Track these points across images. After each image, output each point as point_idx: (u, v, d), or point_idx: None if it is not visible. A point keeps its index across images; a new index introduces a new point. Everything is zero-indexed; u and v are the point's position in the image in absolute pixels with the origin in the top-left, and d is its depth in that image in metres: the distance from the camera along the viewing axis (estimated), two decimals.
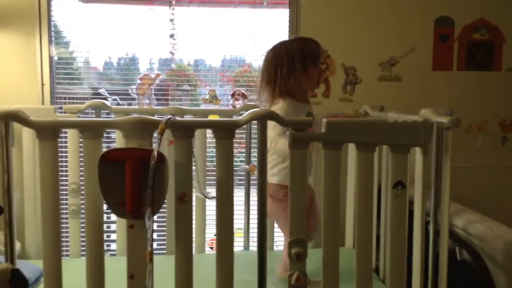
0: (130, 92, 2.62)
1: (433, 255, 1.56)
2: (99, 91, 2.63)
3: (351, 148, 2.32)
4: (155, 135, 1.33)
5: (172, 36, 2.61)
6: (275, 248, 2.42)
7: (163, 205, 1.35)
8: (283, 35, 2.60)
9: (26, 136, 2.24)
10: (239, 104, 2.60)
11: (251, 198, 2.39)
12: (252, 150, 2.38)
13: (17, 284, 1.28)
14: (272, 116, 1.41)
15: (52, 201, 1.36)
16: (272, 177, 1.88)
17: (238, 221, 2.33)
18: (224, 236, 1.41)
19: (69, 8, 2.58)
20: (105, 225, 2.26)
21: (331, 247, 1.43)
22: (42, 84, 2.49)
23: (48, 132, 1.34)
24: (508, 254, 1.63)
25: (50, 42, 2.51)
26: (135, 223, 1.31)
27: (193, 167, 1.49)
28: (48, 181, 1.35)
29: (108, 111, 2.33)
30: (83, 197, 1.41)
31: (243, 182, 2.42)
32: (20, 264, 1.46)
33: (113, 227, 2.47)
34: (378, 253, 2.08)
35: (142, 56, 2.71)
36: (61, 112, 2.30)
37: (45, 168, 1.35)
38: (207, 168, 2.35)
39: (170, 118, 1.31)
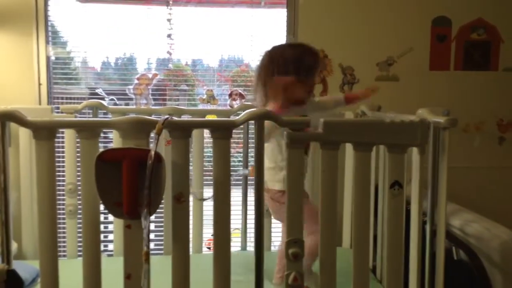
0: (127, 92, 2.61)
1: (430, 255, 1.56)
2: (97, 91, 2.63)
3: (349, 148, 2.32)
4: (152, 135, 1.33)
5: (169, 36, 2.61)
6: (272, 248, 2.42)
7: (160, 205, 1.35)
8: (281, 35, 2.61)
9: (23, 136, 2.23)
10: (236, 104, 2.60)
11: (248, 198, 2.39)
12: (249, 150, 2.38)
13: (13, 284, 1.28)
14: (269, 116, 1.41)
15: (49, 201, 1.35)
16: (276, 183, 1.85)
17: (236, 221, 2.33)
18: (221, 236, 1.41)
19: (67, 8, 2.58)
20: (102, 226, 2.26)
21: (328, 247, 1.43)
22: (39, 84, 2.49)
23: (45, 132, 1.34)
24: (505, 254, 1.63)
25: (47, 42, 2.50)
26: (132, 223, 1.31)
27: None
28: (44, 181, 1.35)
29: (105, 111, 2.33)
30: (80, 197, 1.41)
31: (241, 182, 2.42)
32: (17, 265, 1.45)
33: (111, 227, 2.46)
34: (375, 253, 2.08)
35: (140, 56, 2.71)
36: (58, 112, 2.30)
37: (42, 168, 1.35)
38: (204, 168, 2.34)
39: (167, 118, 1.31)
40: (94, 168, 1.26)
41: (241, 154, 2.45)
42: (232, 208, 1.43)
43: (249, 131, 2.36)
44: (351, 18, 2.58)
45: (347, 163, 2.31)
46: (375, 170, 1.99)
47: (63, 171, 2.23)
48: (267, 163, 1.80)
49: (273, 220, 2.35)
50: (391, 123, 1.45)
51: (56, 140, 1.37)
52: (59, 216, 1.48)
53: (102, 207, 1.36)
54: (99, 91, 2.63)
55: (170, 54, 2.64)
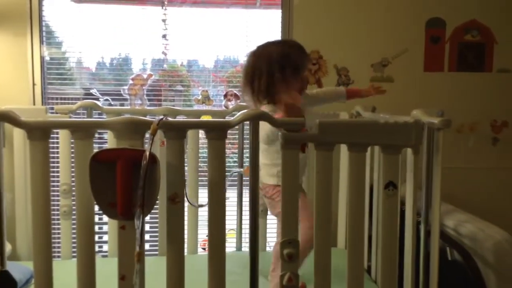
0: (122, 92, 2.61)
1: (424, 256, 1.57)
2: (91, 91, 2.62)
3: (343, 149, 2.32)
4: (147, 135, 1.33)
5: (164, 36, 2.60)
6: (267, 249, 2.42)
7: (155, 206, 1.34)
8: (276, 36, 2.61)
9: (17, 137, 2.22)
10: (231, 104, 2.60)
11: (243, 199, 2.39)
12: (244, 150, 2.38)
13: (6, 285, 1.28)
14: (264, 116, 1.41)
15: (43, 202, 1.35)
16: (270, 178, 1.85)
17: (231, 222, 2.33)
18: (216, 237, 1.41)
19: (61, 8, 2.57)
20: (97, 226, 2.26)
21: (323, 247, 1.43)
22: (33, 84, 2.48)
23: (39, 133, 1.33)
24: (499, 254, 1.64)
25: (41, 42, 2.49)
26: (126, 224, 1.31)
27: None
28: (39, 182, 1.34)
29: (100, 112, 2.32)
30: (75, 198, 1.40)
31: (236, 183, 2.42)
32: (11, 265, 1.45)
33: (105, 228, 2.46)
34: (370, 254, 2.09)
35: (135, 57, 2.70)
36: (52, 113, 2.29)
37: (36, 169, 1.34)
38: (199, 169, 2.34)
39: (162, 118, 1.31)
40: (88, 168, 1.25)
41: (236, 155, 2.46)
42: (227, 208, 1.43)
43: (244, 131, 2.36)
44: (346, 19, 2.58)
45: (342, 164, 2.32)
46: (370, 170, 2.00)
47: (58, 172, 2.22)
48: (263, 159, 1.75)
49: (268, 221, 2.35)
50: (386, 124, 1.46)
51: (50, 140, 1.36)
52: (53, 216, 1.47)
53: (96, 207, 1.36)
54: (93, 91, 2.62)
55: (165, 54, 2.64)
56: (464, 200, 2.25)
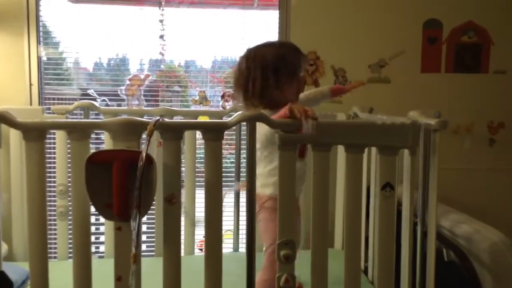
0: (119, 93, 2.61)
1: (421, 256, 1.57)
2: (88, 91, 2.62)
3: (340, 149, 2.32)
4: (143, 136, 1.33)
5: (162, 37, 2.60)
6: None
7: (152, 207, 1.34)
8: (273, 37, 2.61)
9: (14, 137, 2.22)
10: (229, 105, 2.60)
11: (240, 200, 2.39)
12: (242, 151, 2.37)
13: (2, 286, 1.27)
14: (261, 117, 1.41)
15: (39, 202, 1.34)
16: (266, 188, 1.72)
17: (228, 223, 2.33)
18: (213, 238, 1.41)
19: (58, 8, 2.57)
20: (93, 227, 2.26)
21: (320, 248, 1.44)
22: (30, 85, 2.48)
23: (35, 133, 1.33)
24: (495, 255, 1.64)
25: (38, 42, 2.49)
26: (122, 225, 1.30)
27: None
28: (35, 183, 1.34)
29: (97, 112, 2.32)
30: (71, 198, 1.40)
31: (233, 183, 2.42)
32: (7, 266, 1.44)
33: (102, 229, 2.45)
34: (367, 254, 2.09)
35: (132, 57, 2.70)
36: (49, 113, 2.28)
37: (32, 170, 1.34)
38: (196, 170, 2.34)
39: (158, 119, 1.31)
40: (84, 170, 1.25)
41: (234, 156, 2.45)
42: (224, 209, 1.43)
43: (241, 132, 2.36)
44: (343, 20, 2.59)
45: (339, 165, 2.32)
46: (367, 171, 2.00)
47: (54, 172, 2.22)
48: (258, 169, 1.62)
49: None
50: (383, 125, 1.46)
51: (47, 140, 1.36)
52: (49, 217, 1.47)
53: (92, 209, 1.36)
54: (91, 91, 2.62)
55: (163, 55, 2.63)
56: (460, 201, 2.26)
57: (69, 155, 1.46)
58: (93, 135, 1.40)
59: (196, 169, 2.34)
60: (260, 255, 2.04)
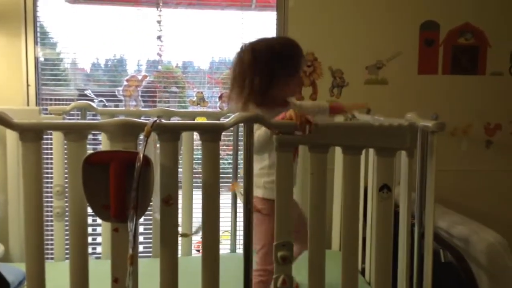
0: (116, 93, 2.60)
1: (418, 258, 1.57)
2: (85, 92, 2.61)
3: (338, 150, 2.33)
4: (141, 137, 1.32)
5: (159, 38, 2.60)
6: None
7: (149, 208, 1.34)
8: None
9: (10, 137, 2.21)
10: (226, 106, 2.60)
11: (237, 201, 2.39)
12: (239, 152, 2.37)
13: None
14: (259, 119, 1.41)
15: (36, 203, 1.34)
16: (258, 189, 1.71)
17: (225, 224, 2.33)
18: (210, 239, 1.41)
19: (56, 9, 2.56)
20: (90, 228, 2.25)
21: (317, 249, 1.44)
22: (27, 85, 2.47)
23: (32, 134, 1.32)
24: (491, 256, 1.65)
25: (35, 42, 2.48)
26: (119, 227, 1.30)
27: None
28: (31, 184, 1.33)
29: (94, 113, 2.32)
30: (68, 199, 1.40)
31: (230, 184, 2.42)
32: (3, 267, 1.44)
33: (99, 229, 2.45)
34: (364, 256, 2.09)
35: (129, 58, 2.70)
36: (46, 113, 2.28)
37: (29, 171, 1.33)
38: (194, 171, 2.34)
39: (155, 120, 1.31)
40: (81, 171, 1.25)
41: (231, 157, 2.45)
42: (221, 210, 1.42)
43: (239, 133, 2.36)
44: (340, 21, 2.59)
45: (336, 166, 2.32)
46: (365, 173, 2.00)
47: (51, 173, 2.21)
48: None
49: None
50: (380, 126, 1.46)
51: (44, 141, 1.35)
52: (46, 218, 1.47)
53: (89, 209, 1.35)
54: (88, 92, 2.61)
55: (160, 56, 2.63)
56: (457, 203, 2.26)
57: (66, 156, 1.46)
58: (90, 136, 1.40)
59: (194, 170, 2.34)
60: None
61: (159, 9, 2.59)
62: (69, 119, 2.28)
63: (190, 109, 2.65)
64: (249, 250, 1.44)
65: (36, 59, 2.50)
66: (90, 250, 1.44)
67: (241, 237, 1.50)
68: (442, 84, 2.65)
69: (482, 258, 1.66)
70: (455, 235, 1.81)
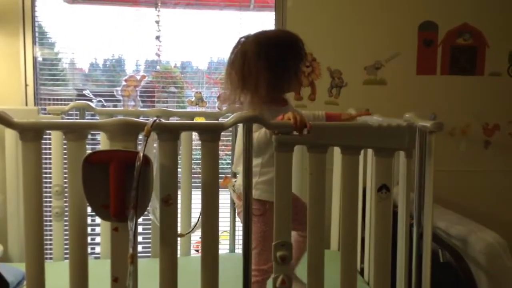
0: (115, 93, 2.60)
1: (417, 258, 1.57)
2: (84, 92, 2.61)
3: (337, 151, 2.33)
4: (140, 137, 1.33)
5: (158, 38, 2.60)
6: None
7: (148, 208, 1.34)
8: None
9: (9, 137, 2.21)
10: (224, 106, 2.59)
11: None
12: None
13: None
14: (258, 119, 1.41)
15: (35, 203, 1.34)
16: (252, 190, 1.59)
17: (224, 224, 2.33)
18: (209, 239, 1.41)
19: (54, 9, 2.56)
20: (89, 228, 2.25)
21: (316, 249, 1.44)
22: (26, 85, 2.47)
23: (31, 134, 1.32)
24: (490, 256, 1.65)
25: (34, 42, 2.48)
26: (119, 226, 1.30)
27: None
28: (31, 183, 1.33)
29: (92, 113, 2.31)
30: (67, 199, 1.40)
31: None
32: (2, 267, 1.44)
33: (98, 229, 2.44)
34: (363, 256, 2.09)
35: (128, 58, 2.70)
36: (44, 113, 2.28)
37: (28, 170, 1.33)
38: (193, 171, 2.34)
39: (155, 120, 1.31)
40: (81, 170, 1.25)
41: (230, 157, 2.45)
42: (220, 210, 1.43)
43: (238, 133, 2.36)
44: (339, 21, 2.59)
45: (335, 166, 2.32)
46: (363, 173, 2.01)
47: (50, 173, 2.21)
48: (241, 168, 1.46)
49: None
50: (379, 127, 1.47)
51: (43, 141, 1.35)
52: (45, 218, 1.46)
53: (89, 209, 1.35)
54: (86, 92, 2.61)
55: (159, 56, 2.63)
56: (456, 203, 2.26)
57: (65, 156, 1.46)
58: (89, 136, 1.40)
59: (193, 170, 2.34)
60: None
61: (157, 9, 2.59)
62: (68, 119, 2.28)
63: (189, 109, 2.65)
64: (248, 250, 1.44)
65: (35, 59, 2.50)
66: (89, 250, 1.44)
67: (240, 237, 1.50)
68: (440, 85, 2.66)
69: (481, 258, 1.66)
70: (453, 235, 1.81)
